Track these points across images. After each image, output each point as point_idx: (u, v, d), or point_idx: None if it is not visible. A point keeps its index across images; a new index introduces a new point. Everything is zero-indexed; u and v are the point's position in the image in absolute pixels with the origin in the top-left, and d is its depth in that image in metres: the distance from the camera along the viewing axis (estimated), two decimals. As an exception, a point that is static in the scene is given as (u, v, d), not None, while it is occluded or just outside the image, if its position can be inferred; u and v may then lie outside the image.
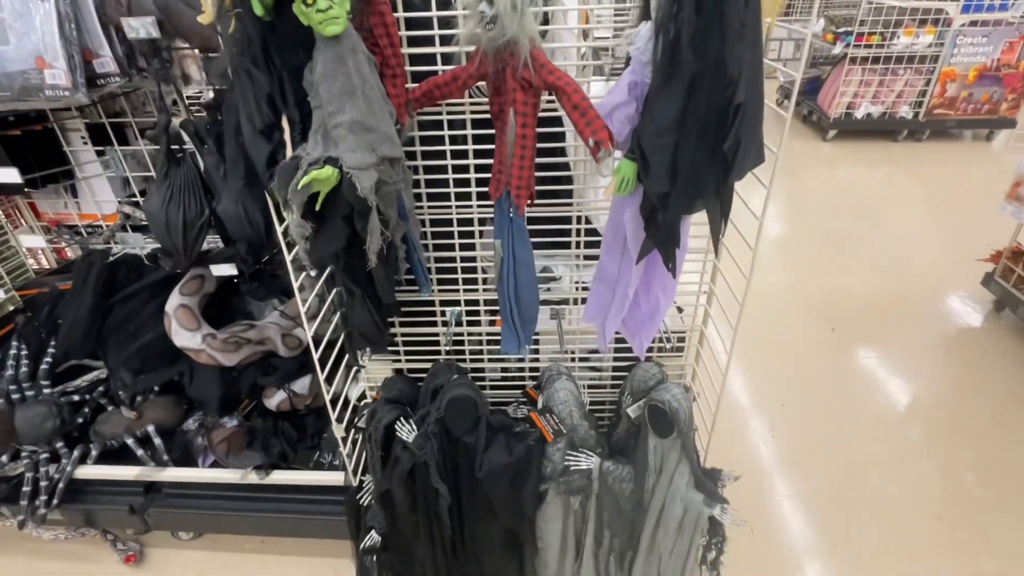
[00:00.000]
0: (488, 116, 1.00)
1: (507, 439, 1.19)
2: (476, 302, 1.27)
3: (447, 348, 1.34)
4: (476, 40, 0.83)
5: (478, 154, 1.07)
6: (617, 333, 1.17)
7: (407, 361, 1.39)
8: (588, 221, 1.19)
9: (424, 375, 1.30)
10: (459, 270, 1.21)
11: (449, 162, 1.08)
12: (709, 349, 1.28)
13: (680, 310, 1.40)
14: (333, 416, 1.29)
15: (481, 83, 1.01)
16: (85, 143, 1.87)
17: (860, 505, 1.86)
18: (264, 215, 1.35)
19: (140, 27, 1.23)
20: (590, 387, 1.44)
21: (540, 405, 1.22)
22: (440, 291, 1.26)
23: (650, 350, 1.18)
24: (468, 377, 1.23)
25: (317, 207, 0.83)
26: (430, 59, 0.98)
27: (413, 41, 0.96)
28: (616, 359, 1.38)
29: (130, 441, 1.62)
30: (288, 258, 1.03)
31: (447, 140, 1.06)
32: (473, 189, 1.10)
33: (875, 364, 2.48)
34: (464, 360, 1.37)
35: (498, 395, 1.43)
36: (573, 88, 0.78)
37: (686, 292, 1.23)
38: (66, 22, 1.25)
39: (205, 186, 1.39)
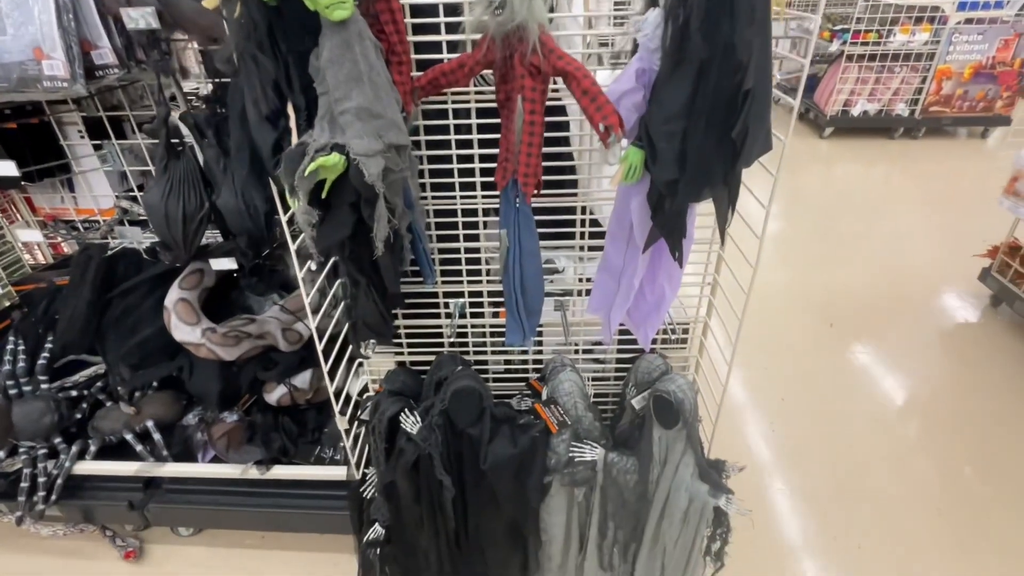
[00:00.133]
0: (493, 105, 0.99)
1: (511, 431, 1.18)
2: (480, 294, 1.27)
3: (450, 340, 1.33)
4: (483, 27, 0.83)
5: (483, 143, 1.06)
6: (621, 325, 1.17)
7: (410, 354, 1.38)
8: (591, 212, 1.18)
9: (427, 368, 1.30)
10: (463, 261, 1.20)
11: (454, 152, 1.07)
12: (714, 340, 1.28)
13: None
14: (336, 408, 1.28)
15: (486, 72, 1.01)
16: (82, 137, 1.86)
17: (860, 499, 1.86)
18: (264, 208, 1.35)
19: (140, 17, 1.22)
20: (593, 379, 1.44)
21: (544, 397, 1.22)
22: (443, 283, 1.25)
23: (654, 341, 1.18)
24: (472, 369, 1.23)
25: (323, 195, 0.83)
26: (435, 47, 0.97)
27: (418, 29, 0.96)
28: (620, 351, 1.37)
29: (129, 437, 1.61)
30: (292, 248, 1.02)
31: (452, 130, 1.05)
32: (477, 179, 1.10)
33: (873, 359, 2.49)
34: (467, 352, 1.37)
35: (501, 387, 1.42)
36: (583, 73, 0.78)
37: (689, 283, 1.22)
38: (64, 12, 1.24)
39: (205, 179, 1.38)
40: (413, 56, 0.96)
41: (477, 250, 1.20)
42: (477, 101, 1.03)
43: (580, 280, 1.30)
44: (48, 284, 1.84)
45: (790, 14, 0.90)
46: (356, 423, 1.32)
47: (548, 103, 0.88)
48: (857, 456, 2.02)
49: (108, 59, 1.36)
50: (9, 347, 1.66)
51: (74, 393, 1.69)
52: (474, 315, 1.31)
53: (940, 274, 3.09)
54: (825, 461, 2.01)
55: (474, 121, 1.04)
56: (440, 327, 1.33)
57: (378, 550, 1.31)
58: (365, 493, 1.34)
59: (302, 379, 1.66)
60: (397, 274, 0.99)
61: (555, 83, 0.96)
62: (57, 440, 1.62)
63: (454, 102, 1.03)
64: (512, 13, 0.74)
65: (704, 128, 0.79)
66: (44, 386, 1.65)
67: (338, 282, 1.33)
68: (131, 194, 1.88)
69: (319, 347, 1.17)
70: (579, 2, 1.11)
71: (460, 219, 1.15)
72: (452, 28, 0.95)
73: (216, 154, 1.36)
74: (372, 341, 1.14)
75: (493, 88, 0.97)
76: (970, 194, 4.04)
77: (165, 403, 1.71)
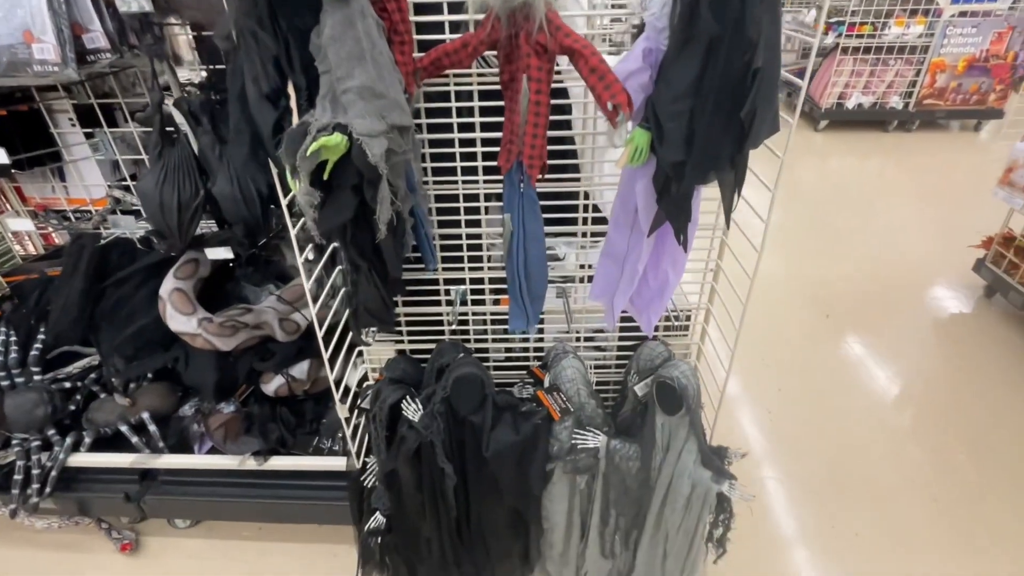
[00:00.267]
0: (496, 88, 0.98)
1: (514, 418, 1.18)
2: (481, 281, 1.26)
3: (451, 328, 1.32)
4: (486, 7, 0.81)
5: (485, 127, 1.04)
6: (624, 312, 1.16)
7: (410, 342, 1.37)
8: (591, 197, 1.17)
9: (427, 356, 1.29)
10: (464, 247, 1.19)
11: (456, 135, 1.06)
12: (716, 326, 1.27)
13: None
14: (337, 396, 1.27)
15: (489, 53, 0.99)
16: (73, 125, 1.83)
17: (857, 487, 1.88)
18: (265, 191, 1.33)
19: (132, 0, 1.19)
20: (595, 367, 1.44)
21: (547, 384, 1.21)
22: (444, 269, 1.24)
23: (655, 328, 1.17)
24: (473, 356, 1.22)
25: (325, 176, 0.81)
26: (438, 27, 0.95)
27: (421, 8, 0.94)
28: (621, 338, 1.37)
29: (124, 428, 1.59)
30: (292, 232, 1.00)
31: (454, 113, 1.03)
32: (479, 163, 1.08)
33: (869, 350, 2.50)
34: (468, 340, 1.36)
35: (502, 376, 1.41)
36: (591, 51, 0.76)
37: (691, 269, 1.22)
38: (55, -6, 1.21)
39: (200, 167, 1.36)
40: (415, 37, 0.94)
41: (479, 236, 1.19)
42: (480, 83, 1.01)
43: (582, 267, 1.29)
44: (40, 275, 1.81)
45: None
46: (356, 411, 1.30)
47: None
48: (853, 445, 2.03)
49: (100, 43, 1.33)
50: (0, 338, 1.63)
51: (68, 385, 1.67)
52: (475, 302, 1.30)
53: (934, 266, 3.12)
54: (822, 450, 2.02)
55: (476, 104, 1.02)
56: (440, 315, 1.32)
57: (379, 539, 1.31)
58: (366, 482, 1.33)
59: (300, 369, 1.65)
60: (399, 258, 0.98)
61: (555, 65, 0.94)
62: (51, 432, 1.60)
63: (456, 84, 1.02)
64: (518, -11, 0.73)
65: (712, 108, 0.78)
66: (37, 377, 1.62)
67: (337, 269, 1.31)
68: (124, 183, 1.85)
69: (319, 334, 1.16)
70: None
71: (462, 204, 1.13)
72: (455, 7, 0.94)
73: (211, 141, 1.34)
74: (373, 329, 1.12)
75: (495, 70, 0.96)
76: (963, 187, 4.07)
77: (161, 394, 1.69)
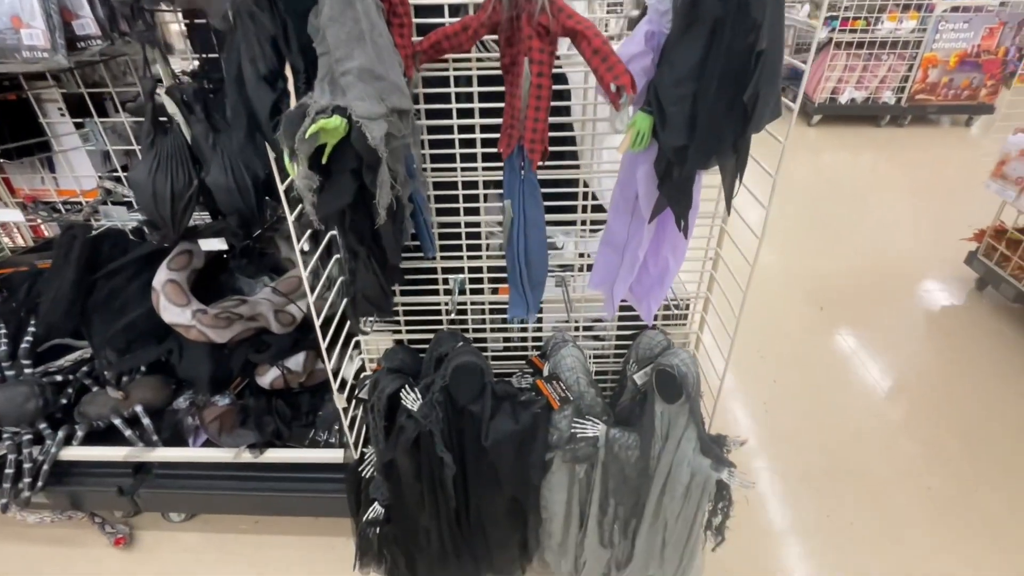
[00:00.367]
0: (496, 73, 0.97)
1: (513, 407, 1.17)
2: (479, 270, 1.25)
3: (449, 318, 1.31)
4: (487, -12, 0.80)
5: (484, 113, 1.03)
6: (623, 301, 1.16)
7: (407, 332, 1.36)
8: (589, 186, 1.17)
9: (425, 346, 1.28)
10: (463, 236, 1.18)
11: (455, 122, 1.04)
12: (716, 315, 1.27)
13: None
14: (335, 386, 1.26)
15: (488, 38, 0.98)
16: (62, 114, 1.79)
17: (852, 477, 1.89)
18: (263, 174, 1.31)
19: (123, -15, 1.17)
20: (593, 357, 1.43)
21: (546, 373, 1.21)
22: (442, 258, 1.23)
23: (654, 318, 1.17)
24: (472, 345, 1.21)
25: (324, 160, 0.80)
26: (438, 10, 0.94)
27: (419, -10, 0.93)
28: (620, 328, 1.37)
29: (117, 422, 1.57)
30: (290, 218, 0.99)
31: (453, 98, 1.02)
32: (478, 150, 1.07)
33: (863, 342, 2.52)
34: (467, 330, 1.35)
35: (500, 366, 1.41)
36: (594, 32, 0.76)
37: (690, 258, 1.21)
38: (44, -21, 1.19)
39: (193, 156, 1.34)
40: (414, 20, 0.93)
41: (477, 224, 1.18)
42: (479, 68, 1.00)
43: (581, 256, 1.29)
44: (30, 267, 1.78)
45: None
46: (354, 401, 1.29)
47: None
48: (848, 435, 2.05)
49: (90, 29, 1.31)
50: (-11, 331, 1.61)
51: (59, 378, 1.65)
52: (474, 292, 1.29)
53: (926, 259, 3.14)
54: (817, 441, 2.03)
55: (475, 89, 1.01)
56: (438, 304, 1.31)
57: (377, 529, 1.30)
58: (364, 472, 1.32)
59: (295, 361, 1.64)
60: (399, 245, 0.97)
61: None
62: (42, 426, 1.57)
63: (455, 70, 1.01)
64: (521, -31, 0.72)
65: (715, 91, 0.78)
66: (28, 371, 1.60)
67: (334, 259, 1.30)
68: (115, 175, 1.82)
69: (317, 322, 1.14)
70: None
71: (460, 192, 1.12)
72: (455, -10, 0.93)
73: (205, 129, 1.32)
74: (371, 319, 1.11)
75: (495, 55, 0.95)
76: (955, 182, 4.10)
77: (154, 387, 1.67)
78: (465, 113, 1.04)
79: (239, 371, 1.65)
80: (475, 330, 1.36)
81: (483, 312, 1.32)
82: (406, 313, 1.33)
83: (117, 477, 1.61)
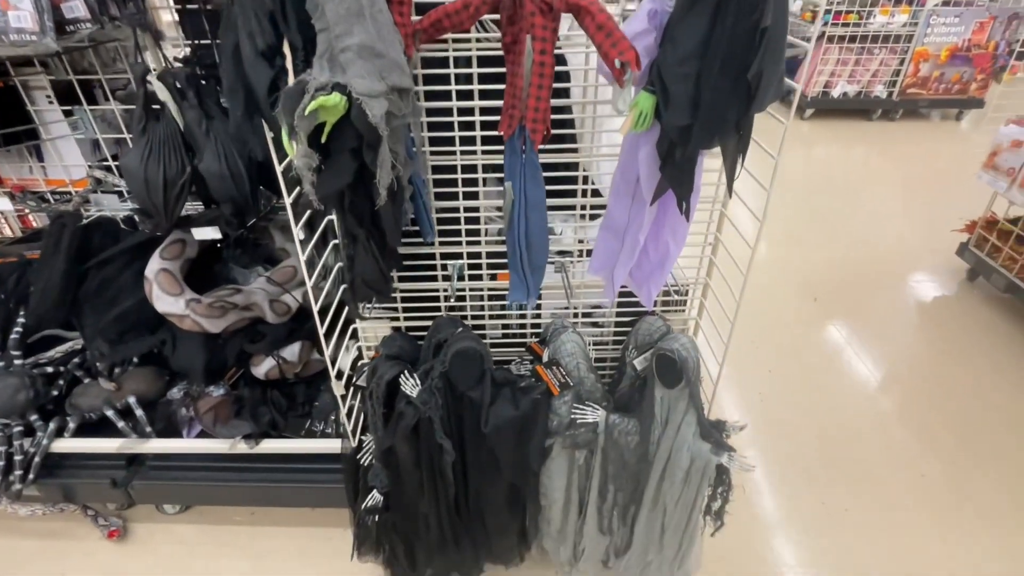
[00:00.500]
0: (496, 55, 0.96)
1: (513, 393, 1.17)
2: (478, 255, 1.24)
3: (448, 304, 1.30)
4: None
5: (484, 95, 1.02)
6: (623, 287, 1.15)
7: (405, 319, 1.35)
8: (588, 171, 1.16)
9: (423, 333, 1.27)
10: (462, 221, 1.17)
11: (454, 103, 1.03)
12: (714, 297, 1.27)
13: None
14: (333, 373, 1.25)
15: (486, 19, 0.97)
16: (51, 102, 1.76)
17: (846, 465, 1.90)
18: (248, 173, 1.30)
19: (113, -34, 1.15)
20: (592, 344, 1.43)
21: (545, 359, 1.20)
22: (441, 243, 1.22)
23: (653, 304, 1.17)
24: (472, 331, 1.20)
25: (323, 139, 0.79)
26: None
27: (418, -32, 0.91)
28: (619, 314, 1.36)
29: (110, 413, 1.55)
30: (288, 201, 0.97)
31: (452, 79, 1.01)
32: (478, 133, 1.06)
33: (856, 332, 2.54)
34: (465, 316, 1.34)
35: (499, 353, 1.40)
36: (597, 7, 0.75)
37: (690, 244, 1.21)
38: (31, -41, 1.16)
39: (186, 143, 1.32)
40: (413, -1, 0.91)
41: (476, 209, 1.17)
42: (478, 50, 0.99)
43: (580, 242, 1.28)
44: (18, 258, 1.75)
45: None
46: (352, 389, 1.28)
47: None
48: (842, 424, 2.06)
49: (79, 12, 1.29)
50: (-22, 322, 1.58)
51: (50, 369, 1.62)
52: (472, 278, 1.28)
53: (918, 251, 3.17)
54: (812, 429, 2.05)
55: (475, 71, 1.00)
56: (436, 291, 1.30)
57: (376, 517, 1.29)
58: (362, 461, 1.31)
59: (291, 351, 1.62)
60: (398, 227, 0.96)
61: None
62: (33, 417, 1.55)
63: (455, 50, 0.99)
64: (524, -57, 0.71)
65: (719, 70, 0.77)
66: (17, 362, 1.57)
67: (331, 246, 1.28)
68: (105, 164, 1.79)
69: (315, 308, 1.13)
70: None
71: (459, 176, 1.11)
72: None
73: (198, 116, 1.31)
74: (370, 305, 1.10)
75: (495, 36, 0.94)
76: (946, 175, 4.13)
77: (147, 378, 1.65)
78: (464, 95, 1.03)
79: (234, 361, 1.63)
80: (474, 317, 1.35)
81: (482, 299, 1.32)
82: (404, 300, 1.32)
83: (110, 469, 1.59)
